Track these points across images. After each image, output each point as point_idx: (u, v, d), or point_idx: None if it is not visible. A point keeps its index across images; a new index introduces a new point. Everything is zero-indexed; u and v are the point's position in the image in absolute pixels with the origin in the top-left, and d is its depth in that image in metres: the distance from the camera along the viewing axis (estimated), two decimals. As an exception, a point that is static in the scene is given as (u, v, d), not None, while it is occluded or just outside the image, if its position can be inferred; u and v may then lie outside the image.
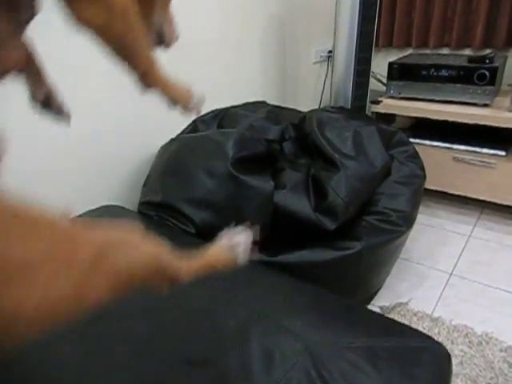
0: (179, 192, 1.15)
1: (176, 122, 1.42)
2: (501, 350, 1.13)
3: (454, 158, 1.69)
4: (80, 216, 1.10)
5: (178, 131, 1.44)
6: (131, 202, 1.35)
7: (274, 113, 1.51)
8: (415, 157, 1.38)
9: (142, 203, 1.23)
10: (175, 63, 1.39)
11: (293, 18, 1.92)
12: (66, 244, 0.36)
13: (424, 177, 1.35)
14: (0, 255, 0.31)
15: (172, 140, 1.35)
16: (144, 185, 1.28)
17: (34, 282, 0.32)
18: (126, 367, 0.64)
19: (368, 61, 1.63)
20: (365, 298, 1.30)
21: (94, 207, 1.16)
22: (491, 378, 1.06)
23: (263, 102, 1.64)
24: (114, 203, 1.24)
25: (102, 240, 0.39)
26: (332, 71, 1.71)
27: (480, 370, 1.08)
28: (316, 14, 2.02)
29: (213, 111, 1.47)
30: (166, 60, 1.25)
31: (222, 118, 1.45)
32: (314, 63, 2.11)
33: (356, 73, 1.62)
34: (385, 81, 1.89)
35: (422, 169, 1.36)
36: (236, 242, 0.58)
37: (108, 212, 1.14)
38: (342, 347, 0.64)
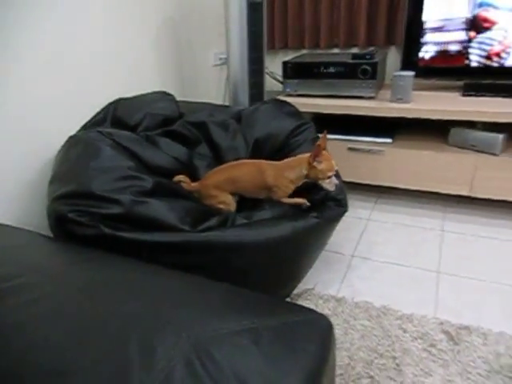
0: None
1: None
2: (396, 319, 1.23)
3: (349, 148, 1.81)
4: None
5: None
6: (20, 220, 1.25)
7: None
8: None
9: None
10: (66, 65, 1.35)
11: (187, 22, 1.93)
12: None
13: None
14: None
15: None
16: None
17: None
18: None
19: (261, 60, 1.68)
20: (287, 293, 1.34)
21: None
22: (389, 345, 1.14)
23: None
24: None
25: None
26: (228, 73, 1.74)
27: (379, 340, 1.16)
28: (210, 18, 2.04)
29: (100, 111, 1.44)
30: (57, 64, 1.16)
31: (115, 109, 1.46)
32: (214, 66, 2.14)
33: (251, 73, 1.67)
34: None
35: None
36: None
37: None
38: (227, 333, 0.64)
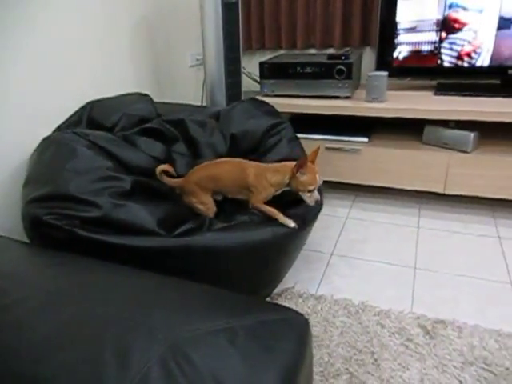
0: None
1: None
2: (374, 315, 1.24)
3: (327, 148, 1.83)
4: None
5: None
6: None
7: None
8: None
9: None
10: (39, 65, 1.32)
11: (163, 22, 1.91)
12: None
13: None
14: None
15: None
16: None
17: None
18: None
19: (237, 61, 1.68)
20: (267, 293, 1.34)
21: None
22: (367, 341, 1.15)
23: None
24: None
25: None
26: (205, 73, 1.73)
27: (358, 336, 1.17)
28: (186, 19, 2.04)
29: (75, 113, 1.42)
30: (30, 64, 1.13)
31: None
32: (191, 67, 2.13)
33: (227, 73, 1.67)
34: (260, 81, 1.98)
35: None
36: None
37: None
38: (203, 333, 0.64)
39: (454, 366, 1.06)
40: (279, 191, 1.24)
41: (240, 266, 1.14)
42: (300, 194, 1.20)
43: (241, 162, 1.29)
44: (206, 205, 1.27)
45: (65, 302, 0.73)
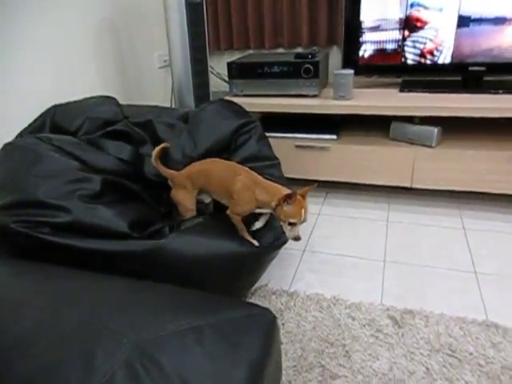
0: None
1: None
2: (346, 308, 1.27)
3: (297, 146, 1.86)
4: None
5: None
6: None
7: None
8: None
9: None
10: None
11: (127, 23, 1.89)
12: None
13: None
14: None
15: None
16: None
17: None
18: None
19: (204, 61, 1.68)
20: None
21: None
22: (339, 334, 1.18)
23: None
24: None
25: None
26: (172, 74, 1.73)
27: (330, 330, 1.20)
28: (152, 19, 2.02)
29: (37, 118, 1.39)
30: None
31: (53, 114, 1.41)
32: (160, 68, 2.11)
33: (195, 74, 1.67)
34: (229, 81, 1.98)
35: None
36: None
37: None
38: (169, 333, 0.64)
39: (422, 354, 1.09)
40: (262, 210, 1.19)
41: (210, 273, 1.14)
42: (281, 223, 1.14)
43: (235, 166, 1.25)
44: (185, 206, 1.27)
45: (30, 310, 0.72)
